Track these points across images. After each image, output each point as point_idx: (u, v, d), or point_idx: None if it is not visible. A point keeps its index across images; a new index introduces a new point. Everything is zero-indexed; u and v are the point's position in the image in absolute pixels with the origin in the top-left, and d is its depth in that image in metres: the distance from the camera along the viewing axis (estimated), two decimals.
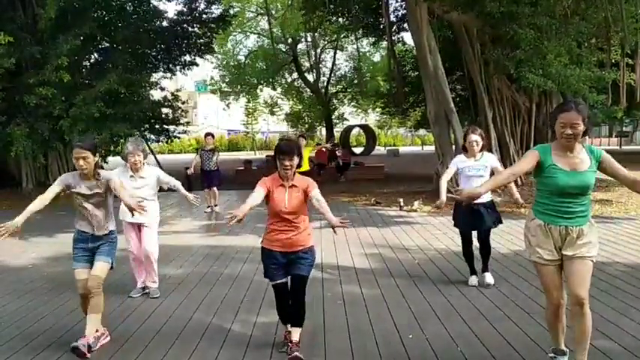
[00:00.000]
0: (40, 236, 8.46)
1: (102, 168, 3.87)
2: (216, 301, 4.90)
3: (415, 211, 10.28)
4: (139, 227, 5.11)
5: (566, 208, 3.06)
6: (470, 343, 3.77)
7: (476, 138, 5.08)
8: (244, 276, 5.77)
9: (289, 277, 3.68)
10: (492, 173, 5.00)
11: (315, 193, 3.62)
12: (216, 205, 10.95)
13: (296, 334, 3.68)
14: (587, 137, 3.20)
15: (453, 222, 5.41)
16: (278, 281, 3.67)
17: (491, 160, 5.20)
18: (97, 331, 3.79)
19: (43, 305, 4.87)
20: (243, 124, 48.94)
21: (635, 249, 6.56)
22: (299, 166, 3.59)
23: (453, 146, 12.53)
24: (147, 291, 5.15)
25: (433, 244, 7.25)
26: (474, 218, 5.07)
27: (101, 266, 3.77)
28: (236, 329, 4.17)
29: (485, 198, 5.08)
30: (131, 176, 5.00)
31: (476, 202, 5.01)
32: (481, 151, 5.15)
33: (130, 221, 4.98)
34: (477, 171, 5.06)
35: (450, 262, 6.22)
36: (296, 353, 3.53)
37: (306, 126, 38.81)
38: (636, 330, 3.89)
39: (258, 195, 3.54)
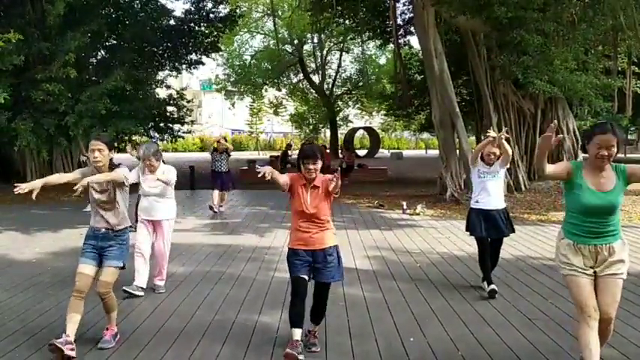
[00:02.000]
0: (45, 231, 8.50)
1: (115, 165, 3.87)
2: (219, 299, 4.92)
3: (418, 214, 10.28)
4: (154, 225, 5.16)
5: (595, 228, 3.04)
6: (470, 347, 3.77)
7: (495, 150, 5.02)
8: (247, 275, 5.79)
9: (313, 282, 3.69)
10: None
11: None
12: (221, 206, 10.97)
13: (315, 328, 3.84)
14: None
15: (467, 231, 5.26)
16: (299, 275, 3.59)
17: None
18: (107, 328, 3.86)
19: (47, 299, 4.90)
20: (248, 124, 49.04)
21: (637, 257, 6.54)
22: (322, 169, 3.64)
23: (457, 150, 12.53)
24: (152, 287, 5.17)
25: (435, 247, 7.25)
26: (490, 224, 5.02)
27: (111, 272, 3.76)
28: (238, 328, 4.18)
29: (501, 205, 5.07)
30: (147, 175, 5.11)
31: (492, 208, 5.01)
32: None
33: (147, 218, 5.04)
34: (493, 176, 5.04)
35: (452, 266, 6.22)
36: (314, 341, 3.75)
37: (311, 127, 38.87)
38: (638, 338, 3.88)
39: (283, 179, 3.59)
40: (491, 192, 5.02)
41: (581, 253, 3.08)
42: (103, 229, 3.75)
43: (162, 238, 5.19)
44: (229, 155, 11.04)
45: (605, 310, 3.05)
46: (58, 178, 3.79)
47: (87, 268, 3.72)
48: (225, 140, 11.35)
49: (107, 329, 3.86)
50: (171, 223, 5.29)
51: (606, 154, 2.97)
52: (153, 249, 5.26)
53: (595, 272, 3.09)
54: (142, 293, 4.99)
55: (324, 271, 3.61)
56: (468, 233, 5.28)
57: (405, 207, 10.65)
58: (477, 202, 5.11)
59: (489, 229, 5.04)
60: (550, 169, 3.13)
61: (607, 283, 3.07)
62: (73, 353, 3.51)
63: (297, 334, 3.58)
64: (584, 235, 3.07)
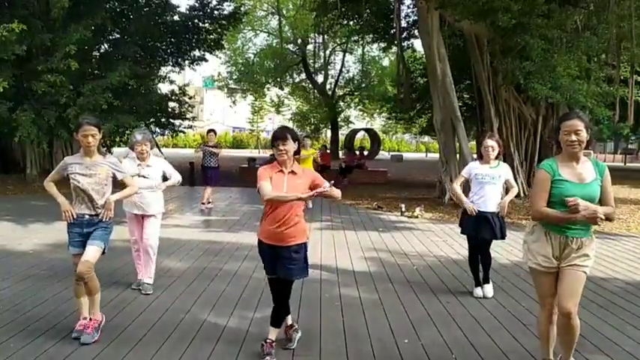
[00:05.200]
0: (42, 222, 8.51)
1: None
2: (214, 296, 4.91)
3: (416, 217, 10.28)
4: (142, 218, 5.06)
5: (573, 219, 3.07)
6: (465, 351, 3.78)
7: (492, 143, 5.04)
8: (243, 273, 5.78)
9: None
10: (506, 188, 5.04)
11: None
12: (209, 203, 10.97)
13: (273, 334, 3.63)
14: (591, 151, 3.24)
15: (460, 229, 5.30)
16: (268, 276, 3.67)
17: (506, 171, 5.16)
18: (90, 319, 3.81)
19: (43, 290, 4.90)
20: (249, 122, 49.03)
21: (634, 266, 6.55)
22: (297, 152, 3.61)
23: (458, 154, 12.53)
24: (139, 287, 5.01)
25: (433, 251, 7.26)
26: (481, 225, 5.03)
27: (93, 251, 3.74)
28: (232, 325, 4.18)
29: (495, 208, 5.05)
30: (138, 165, 5.03)
31: (487, 210, 5.01)
32: (497, 158, 5.13)
33: (134, 212, 5.00)
34: (492, 179, 5.02)
35: (449, 269, 6.23)
36: (267, 358, 3.48)
37: (312, 127, 38.85)
38: (632, 347, 3.88)
39: (267, 185, 3.51)
40: (488, 195, 5.02)
41: (550, 242, 3.14)
42: (87, 216, 3.76)
43: (151, 232, 5.06)
44: (219, 150, 10.89)
45: (562, 304, 3.08)
46: (53, 184, 3.91)
47: (79, 256, 3.76)
48: (215, 134, 11.27)
49: (90, 320, 3.79)
50: (159, 216, 5.20)
51: (575, 139, 3.03)
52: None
53: (559, 265, 3.15)
54: (151, 284, 5.03)
55: (287, 267, 3.51)
56: (460, 231, 5.29)
57: (403, 209, 10.65)
58: (472, 202, 5.09)
59: (481, 230, 5.04)
60: (546, 197, 3.12)
61: (568, 275, 3.11)
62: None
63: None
64: (558, 224, 3.11)
